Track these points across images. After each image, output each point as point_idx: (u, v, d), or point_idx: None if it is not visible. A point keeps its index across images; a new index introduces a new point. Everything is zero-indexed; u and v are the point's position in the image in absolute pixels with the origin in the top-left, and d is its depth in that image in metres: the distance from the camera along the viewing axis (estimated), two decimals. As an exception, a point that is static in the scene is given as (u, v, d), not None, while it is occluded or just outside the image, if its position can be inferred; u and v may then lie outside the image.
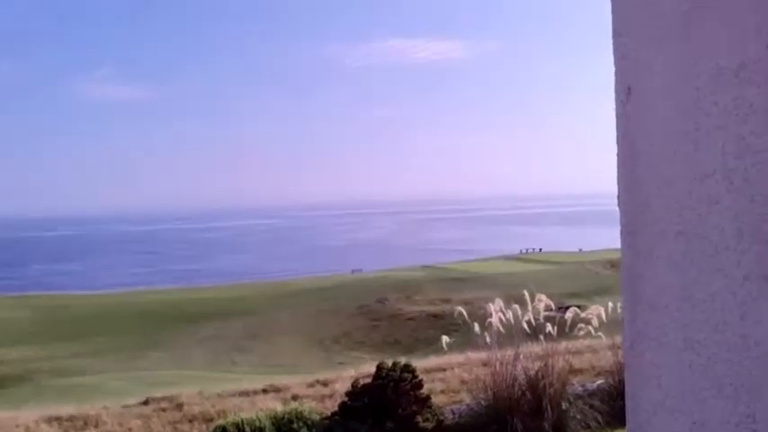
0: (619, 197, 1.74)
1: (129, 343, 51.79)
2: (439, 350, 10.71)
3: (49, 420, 9.21)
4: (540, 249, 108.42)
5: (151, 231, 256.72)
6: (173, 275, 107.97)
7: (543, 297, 8.43)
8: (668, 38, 1.46)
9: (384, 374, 7.40)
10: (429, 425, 7.24)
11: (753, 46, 1.23)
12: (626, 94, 1.65)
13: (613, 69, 1.72)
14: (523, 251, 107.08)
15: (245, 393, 10.82)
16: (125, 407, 10.33)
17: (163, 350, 49.85)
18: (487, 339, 8.08)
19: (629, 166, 1.66)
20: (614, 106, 1.72)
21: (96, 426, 8.95)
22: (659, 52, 1.49)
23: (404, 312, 59.72)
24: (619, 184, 1.73)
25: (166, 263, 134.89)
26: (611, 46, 1.72)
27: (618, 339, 9.60)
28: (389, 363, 7.63)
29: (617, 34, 1.68)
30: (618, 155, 1.72)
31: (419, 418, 7.23)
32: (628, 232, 1.71)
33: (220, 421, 7.27)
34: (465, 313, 8.73)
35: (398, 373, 7.44)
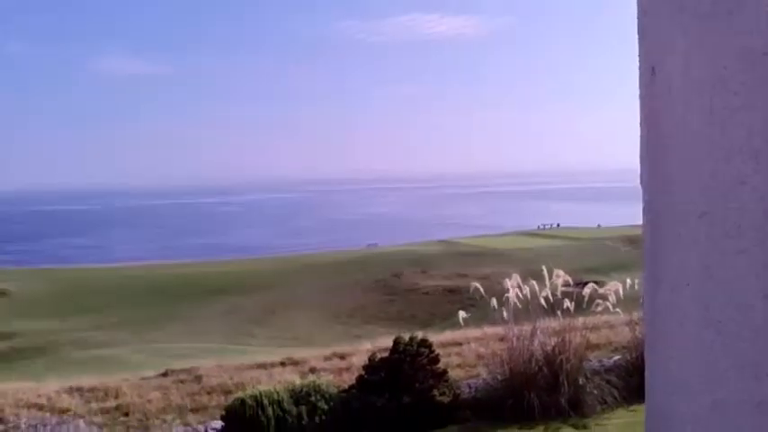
0: (641, 176, 1.74)
1: (146, 316, 52.28)
2: (455, 325, 10.75)
3: (70, 391, 9.34)
4: (558, 225, 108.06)
5: (167, 205, 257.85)
6: (188, 249, 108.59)
7: (561, 273, 8.41)
8: (693, 17, 1.45)
9: (401, 349, 7.44)
10: (445, 399, 7.28)
11: (782, 25, 1.22)
12: (650, 74, 1.63)
13: (637, 49, 1.71)
14: (541, 227, 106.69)
15: (262, 366, 10.92)
16: (144, 378, 10.46)
17: (180, 323, 50.31)
18: (504, 315, 8.09)
19: (653, 147, 1.65)
20: (638, 86, 1.71)
21: (116, 397, 9.07)
22: (684, 32, 1.48)
23: (420, 287, 59.86)
24: (642, 163, 1.72)
25: (182, 237, 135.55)
26: (634, 24, 1.71)
27: (636, 315, 9.59)
28: (406, 337, 7.67)
29: (642, 13, 1.67)
30: (641, 135, 1.71)
31: (435, 393, 7.27)
32: (650, 211, 1.71)
33: (239, 393, 7.35)
34: (482, 288, 8.73)
35: (415, 347, 7.48)
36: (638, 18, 1.68)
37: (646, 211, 1.73)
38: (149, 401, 8.77)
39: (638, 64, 1.71)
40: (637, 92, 1.75)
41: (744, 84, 1.32)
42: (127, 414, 8.39)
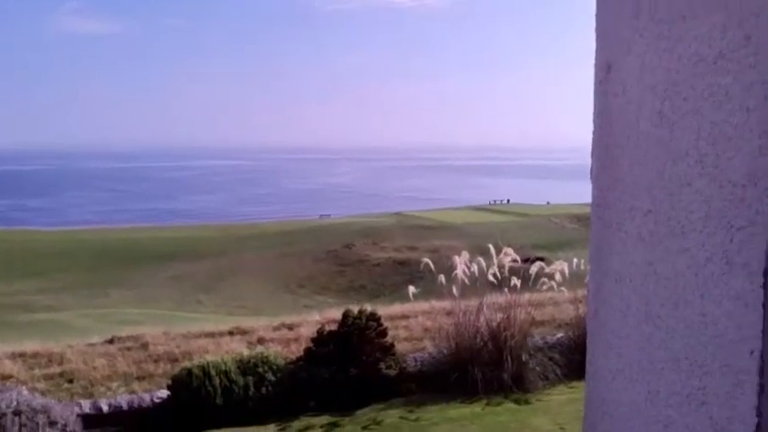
0: (592, 170, 1.79)
1: (92, 280, 51.39)
2: (404, 297, 10.82)
3: (13, 356, 9.19)
4: (508, 201, 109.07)
5: (120, 169, 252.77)
6: (140, 214, 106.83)
7: (510, 251, 8.53)
8: (650, 21, 1.48)
9: (350, 322, 7.49)
10: (392, 372, 7.37)
11: (732, 36, 1.25)
12: (605, 71, 1.67)
13: (594, 45, 1.74)
14: (491, 202, 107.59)
15: (210, 335, 10.86)
16: (90, 345, 10.32)
17: (128, 288, 49.63)
18: (454, 291, 8.19)
19: (604, 143, 1.70)
20: (593, 81, 1.75)
21: (61, 363, 8.95)
22: (640, 34, 1.52)
23: (370, 258, 59.99)
24: (593, 158, 1.77)
25: (134, 201, 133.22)
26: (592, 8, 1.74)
27: (579, 293, 9.80)
28: (355, 310, 7.72)
29: (600, 10, 1.70)
30: (593, 130, 1.75)
31: (382, 366, 7.35)
32: (598, 205, 1.76)
33: (186, 363, 7.33)
34: (431, 264, 8.81)
35: (364, 321, 7.53)
36: (597, 15, 1.72)
37: (594, 205, 1.78)
38: (94, 368, 8.68)
39: (594, 59, 1.74)
40: (590, 82, 1.79)
41: (694, 89, 1.36)
42: (71, 381, 8.29)
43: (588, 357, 1.84)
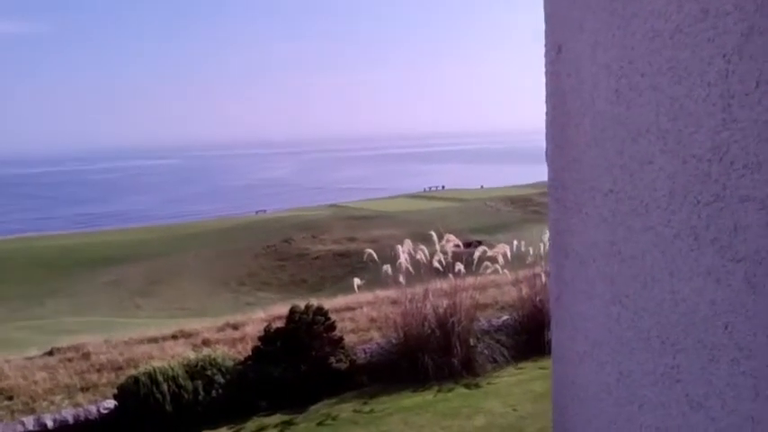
0: (546, 153, 1.76)
1: (25, 291, 49.74)
2: (346, 289, 10.77)
3: (-55, 376, 8.81)
4: (444, 187, 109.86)
5: (43, 173, 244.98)
6: (67, 220, 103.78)
7: (452, 237, 8.55)
8: (602, -3, 1.46)
9: (297, 318, 7.39)
10: (342, 366, 7.31)
11: (689, 9, 1.24)
12: (556, 52, 1.65)
13: (543, 27, 1.72)
14: (427, 189, 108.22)
15: (153, 340, 10.61)
16: (28, 358, 9.96)
17: (63, 297, 48.21)
18: (401, 279, 8.17)
19: (559, 124, 1.67)
20: (543, 63, 1.73)
21: (-2, 379, 8.62)
22: (593, 12, 1.49)
23: (310, 252, 59.68)
24: (547, 140, 1.75)
25: (60, 206, 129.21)
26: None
27: (521, 274, 9.92)
28: (302, 306, 7.62)
29: (548, -9, 1.67)
30: (547, 112, 1.73)
31: (332, 360, 7.28)
32: (555, 187, 1.74)
33: (132, 371, 7.13)
34: (374, 254, 8.78)
35: (311, 315, 7.44)
36: (545, -5, 1.69)
37: (551, 186, 1.76)
38: (35, 383, 8.37)
39: (543, 41, 1.72)
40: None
41: (651, 65, 1.34)
42: (11, 398, 7.97)
43: (553, 341, 1.83)
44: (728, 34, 1.16)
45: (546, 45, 1.70)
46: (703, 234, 1.24)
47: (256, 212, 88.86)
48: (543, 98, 1.74)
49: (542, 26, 1.74)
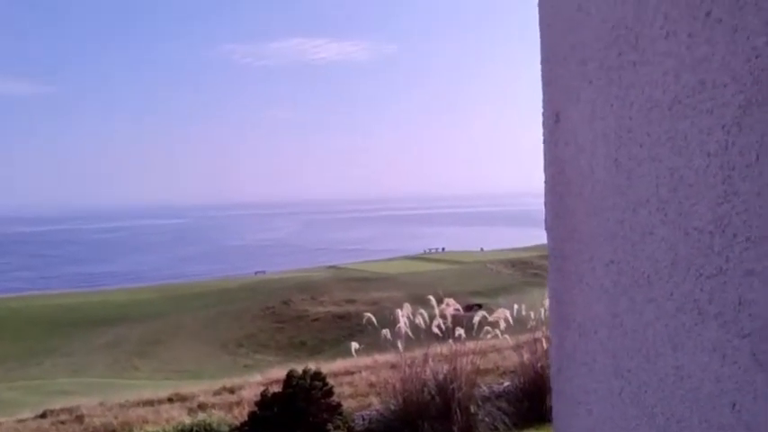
0: (546, 221, 1.74)
1: (20, 350, 49.31)
2: (345, 352, 10.68)
3: (-65, 440, 8.65)
4: (443, 249, 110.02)
5: (45, 232, 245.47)
6: (66, 279, 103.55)
7: (451, 301, 8.51)
8: (599, 68, 1.46)
9: (294, 383, 7.30)
10: (340, 432, 7.19)
11: (687, 80, 1.23)
12: (554, 120, 1.65)
13: (540, 94, 1.72)
14: (427, 251, 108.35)
15: (149, 403, 10.47)
16: (20, 421, 9.82)
17: (59, 357, 47.78)
18: (399, 346, 8.09)
19: (558, 193, 1.66)
20: (542, 131, 1.72)
21: (-13, 444, 8.46)
22: (589, 81, 1.49)
23: (309, 313, 59.40)
24: (546, 208, 1.73)
25: (59, 266, 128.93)
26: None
27: (521, 339, 9.81)
28: (299, 370, 7.53)
29: (545, 61, 1.68)
30: (545, 181, 1.71)
31: (330, 426, 7.16)
32: (555, 257, 1.72)
33: (124, 436, 7.00)
34: (374, 318, 8.72)
35: (308, 381, 7.35)
36: (542, 64, 1.70)
37: (551, 256, 1.73)
38: (26, 447, 8.23)
39: (541, 109, 1.72)
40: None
41: (649, 135, 1.33)
42: (-1, 463, 7.83)
43: (555, 416, 1.77)
44: (727, 106, 1.15)
45: (544, 113, 1.70)
46: (707, 308, 1.21)
47: (256, 273, 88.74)
48: (542, 165, 1.73)
49: (540, 94, 1.74)
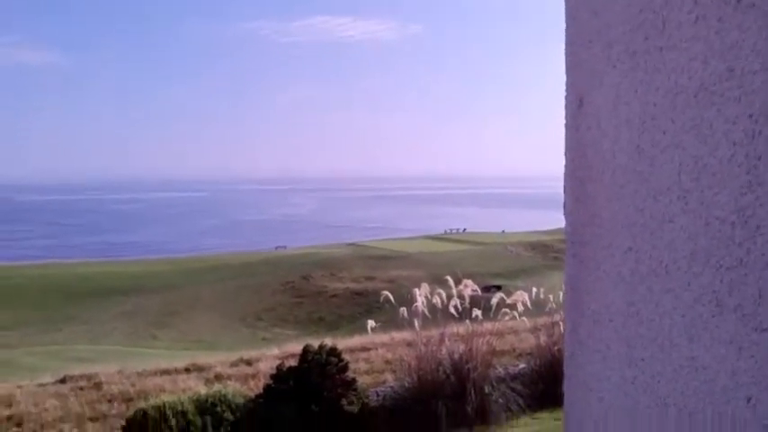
0: (565, 206, 1.72)
1: (39, 318, 50.03)
2: (363, 328, 10.73)
3: (-43, 400, 8.82)
4: (464, 229, 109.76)
5: (68, 201, 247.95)
6: (90, 248, 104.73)
7: (470, 282, 8.50)
8: (624, 52, 1.43)
9: (310, 358, 7.34)
10: (354, 408, 7.23)
11: (715, 67, 1.20)
12: (577, 105, 1.62)
13: (564, 78, 1.69)
14: (448, 231, 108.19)
15: (166, 372, 10.60)
16: (40, 385, 9.99)
17: (77, 325, 48.44)
18: (415, 324, 8.10)
19: (578, 178, 1.63)
20: (564, 115, 1.69)
21: (9, 406, 8.61)
22: (614, 66, 1.46)
23: (328, 289, 59.69)
24: (566, 193, 1.71)
25: (83, 235, 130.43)
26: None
27: (539, 321, 9.79)
28: (315, 345, 7.57)
29: (570, 44, 1.65)
30: (566, 165, 1.69)
31: (344, 402, 7.21)
32: (573, 242, 1.69)
33: (142, 404, 7.08)
34: (391, 296, 8.74)
35: (324, 356, 7.39)
36: (566, 48, 1.67)
37: (569, 241, 1.71)
38: (45, 410, 8.37)
39: (564, 93, 1.69)
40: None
41: (674, 122, 1.30)
42: (20, 425, 7.97)
43: (566, 402, 1.76)
44: (755, 93, 1.12)
45: (567, 97, 1.67)
46: (726, 300, 1.19)
47: (276, 248, 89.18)
48: (563, 147, 1.71)
49: (564, 77, 1.71)
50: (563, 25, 1.66)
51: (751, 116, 1.13)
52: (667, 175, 1.32)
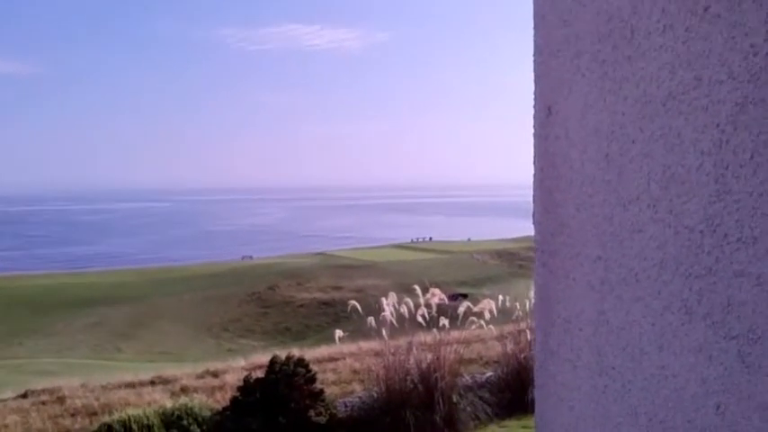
0: (534, 215, 1.72)
1: (2, 330, 49.05)
2: (330, 338, 10.66)
3: None
4: (431, 238, 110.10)
5: (27, 212, 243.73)
6: (54, 259, 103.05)
7: (437, 291, 8.50)
8: (592, 61, 1.44)
9: (277, 368, 7.27)
10: (322, 419, 7.17)
11: (682, 76, 1.21)
12: (545, 114, 1.62)
13: (532, 87, 1.69)
14: (414, 240, 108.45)
15: (131, 385, 10.41)
16: (1, 400, 9.75)
17: (42, 337, 47.58)
18: (383, 333, 8.08)
19: (547, 187, 1.63)
20: (533, 124, 1.70)
21: (-33, 423, 8.39)
22: (582, 75, 1.47)
23: (295, 299, 59.41)
24: (535, 202, 1.71)
25: (48, 246, 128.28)
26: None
27: (506, 329, 9.83)
28: (283, 357, 7.50)
29: (538, 53, 1.65)
30: (535, 174, 1.69)
31: (312, 413, 7.14)
32: (542, 251, 1.69)
33: (106, 418, 6.96)
34: (359, 306, 8.71)
35: (292, 367, 7.32)
36: (535, 56, 1.67)
37: (538, 250, 1.71)
38: (6, 426, 8.16)
39: (533, 102, 1.69)
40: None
41: (642, 131, 1.31)
42: (-22, 442, 7.77)
43: (537, 411, 1.76)
44: (722, 103, 1.13)
45: (535, 106, 1.67)
46: (695, 308, 1.19)
47: (242, 258, 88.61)
48: (531, 156, 1.71)
49: (531, 86, 1.71)
50: (531, 33, 1.66)
51: (718, 125, 1.14)
52: (636, 184, 1.32)
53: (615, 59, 1.37)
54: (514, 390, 8.17)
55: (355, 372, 10.37)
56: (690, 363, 1.21)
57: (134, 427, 6.42)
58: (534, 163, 1.69)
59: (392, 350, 8.07)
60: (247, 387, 7.25)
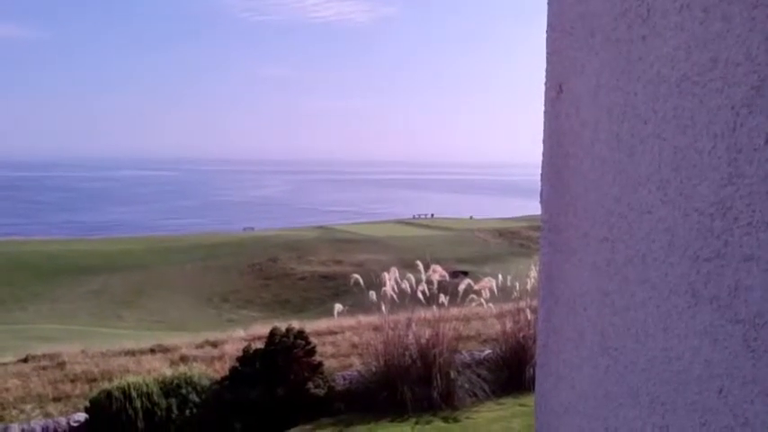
0: (541, 194, 1.71)
1: (4, 295, 49.26)
2: (330, 311, 10.69)
3: None
4: (433, 215, 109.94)
5: (36, 178, 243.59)
6: (58, 226, 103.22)
7: (438, 267, 8.50)
8: (606, 40, 1.42)
9: (277, 340, 7.30)
10: (320, 391, 7.20)
11: (698, 58, 1.19)
12: (557, 92, 1.60)
13: (544, 65, 1.67)
14: (416, 216, 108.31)
15: (130, 353, 10.46)
16: (2, 364, 9.81)
17: (43, 303, 47.77)
18: (383, 308, 8.09)
19: (556, 166, 1.62)
20: (543, 101, 1.68)
21: (-32, 385, 8.45)
22: (595, 53, 1.45)
23: (295, 272, 59.50)
24: (543, 181, 1.70)
25: (52, 213, 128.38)
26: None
27: (505, 308, 9.85)
28: (282, 328, 7.53)
29: (551, 29, 1.63)
30: (543, 153, 1.68)
31: (310, 385, 7.18)
32: (549, 230, 1.69)
33: (105, 385, 7.00)
34: (361, 279, 8.71)
35: (291, 339, 7.35)
36: (547, 33, 1.65)
37: (544, 229, 1.71)
38: (6, 390, 8.22)
39: (543, 80, 1.68)
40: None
41: (655, 112, 1.29)
42: (-21, 403, 7.82)
43: (537, 388, 1.76)
44: (738, 86, 1.11)
45: (546, 84, 1.65)
46: (702, 291, 1.19)
47: (244, 229, 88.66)
48: (540, 135, 1.70)
49: (541, 65, 1.70)
50: (545, 9, 1.64)
51: (733, 108, 1.13)
52: (647, 165, 1.31)
53: (630, 39, 1.35)
54: (512, 368, 8.20)
55: (354, 346, 10.42)
56: (694, 346, 1.21)
57: (133, 394, 6.46)
58: (543, 142, 1.68)
59: (391, 325, 8.09)
60: (246, 358, 7.29)
